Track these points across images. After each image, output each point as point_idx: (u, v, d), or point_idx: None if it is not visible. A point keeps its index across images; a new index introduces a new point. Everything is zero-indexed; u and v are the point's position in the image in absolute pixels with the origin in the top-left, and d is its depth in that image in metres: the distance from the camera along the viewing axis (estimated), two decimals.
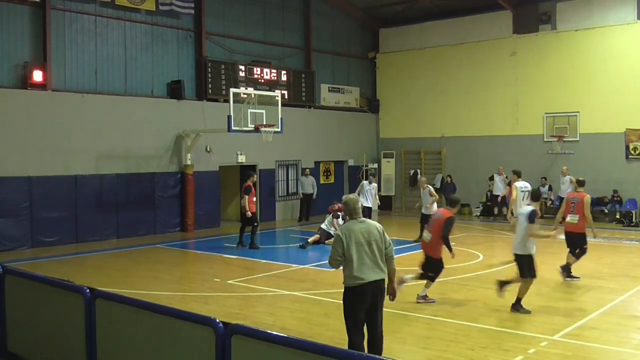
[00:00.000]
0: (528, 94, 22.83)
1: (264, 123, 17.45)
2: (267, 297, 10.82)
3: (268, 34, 22.59)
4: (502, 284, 9.79)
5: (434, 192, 16.48)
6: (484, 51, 23.82)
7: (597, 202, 21.10)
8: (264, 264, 13.97)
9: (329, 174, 24.80)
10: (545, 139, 22.25)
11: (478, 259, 14.23)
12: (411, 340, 8.27)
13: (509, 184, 18.22)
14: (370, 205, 17.49)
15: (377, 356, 3.98)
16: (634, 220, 20.28)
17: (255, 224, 16.11)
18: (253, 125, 17.20)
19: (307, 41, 23.91)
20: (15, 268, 8.06)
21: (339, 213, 16.73)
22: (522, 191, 13.74)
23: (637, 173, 20.63)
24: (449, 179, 23.68)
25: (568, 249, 11.82)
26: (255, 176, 17.68)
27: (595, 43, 21.49)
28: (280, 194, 22.75)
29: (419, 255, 14.67)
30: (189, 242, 17.83)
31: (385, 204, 25.93)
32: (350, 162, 25.44)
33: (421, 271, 10.13)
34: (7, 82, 16.14)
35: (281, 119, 17.78)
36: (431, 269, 10.04)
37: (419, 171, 25.50)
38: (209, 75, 20.22)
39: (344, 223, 6.68)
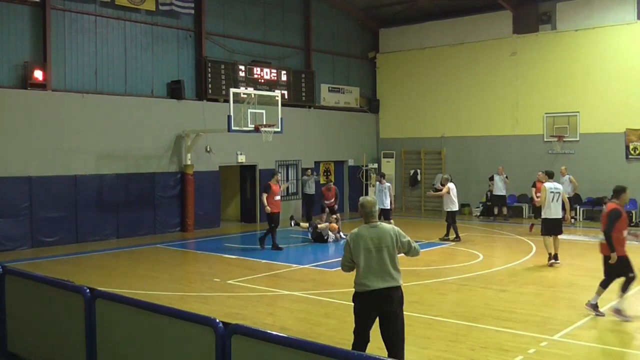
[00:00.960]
0: (528, 94, 22.83)
1: (264, 123, 17.44)
2: (267, 297, 10.82)
3: (268, 34, 22.59)
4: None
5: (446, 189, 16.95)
6: (484, 51, 23.82)
7: (597, 202, 21.11)
8: (264, 264, 13.97)
9: (329, 174, 24.80)
10: (545, 139, 22.25)
11: (478, 259, 14.23)
12: (411, 340, 8.24)
13: (534, 185, 17.90)
14: (383, 207, 17.04)
15: (377, 356, 3.97)
16: (634, 220, 20.28)
17: (273, 224, 15.63)
18: (253, 125, 17.20)
19: (307, 41, 23.91)
20: (15, 268, 8.06)
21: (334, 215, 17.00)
22: (551, 192, 13.09)
23: (637, 173, 20.62)
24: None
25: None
26: (279, 175, 17.28)
27: (595, 43, 21.50)
28: (280, 194, 22.70)
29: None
30: (189, 242, 17.83)
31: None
32: (350, 162, 25.44)
33: (608, 278, 9.15)
34: (7, 82, 16.14)
35: (281, 119, 17.78)
36: (617, 269, 9.01)
37: (417, 171, 25.51)
38: (209, 75, 20.22)
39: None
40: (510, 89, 23.24)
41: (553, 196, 13.14)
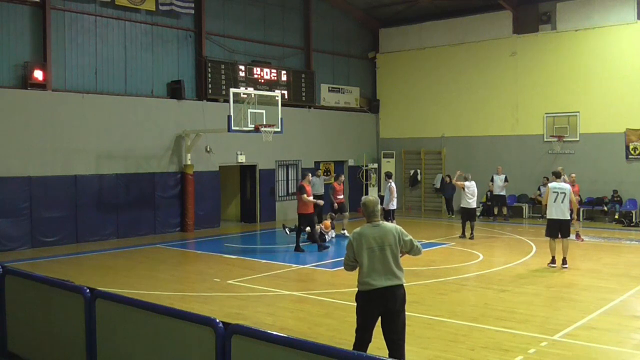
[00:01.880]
0: (528, 94, 22.83)
1: (264, 123, 17.43)
2: (267, 297, 10.82)
3: (268, 34, 22.59)
4: None
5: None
6: (484, 51, 23.82)
7: (597, 202, 21.12)
8: (264, 264, 13.97)
9: (328, 174, 24.80)
10: (545, 139, 22.25)
11: (478, 259, 14.23)
12: (411, 340, 8.24)
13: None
14: (384, 207, 16.89)
15: (377, 356, 3.97)
16: (634, 220, 20.29)
17: (302, 226, 15.36)
18: (253, 125, 17.19)
19: (307, 41, 23.91)
20: (15, 268, 8.05)
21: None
22: (554, 192, 12.76)
23: (637, 173, 20.63)
24: (448, 179, 23.67)
25: None
26: (310, 175, 16.76)
27: (595, 43, 21.50)
28: (280, 194, 22.74)
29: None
30: (189, 242, 17.83)
31: None
32: (350, 162, 25.44)
33: None
34: (7, 82, 16.14)
35: (281, 119, 17.78)
36: None
37: (417, 171, 25.52)
38: (209, 75, 20.22)
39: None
40: (510, 89, 23.24)
41: (557, 196, 12.77)
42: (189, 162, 19.33)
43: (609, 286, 11.32)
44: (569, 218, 13.24)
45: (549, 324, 8.83)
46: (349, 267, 6.48)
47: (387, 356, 6.24)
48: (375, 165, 25.84)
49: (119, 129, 18.02)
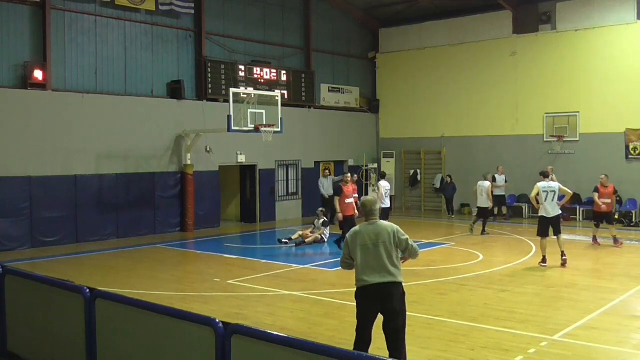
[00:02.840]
0: (528, 94, 22.83)
1: (264, 123, 17.44)
2: (267, 297, 10.82)
3: (268, 34, 22.59)
4: None
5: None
6: (484, 51, 23.82)
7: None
8: (264, 264, 13.97)
9: (328, 174, 24.78)
10: (545, 139, 22.25)
11: (478, 259, 14.23)
12: (411, 340, 8.24)
13: (596, 190, 17.50)
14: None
15: (377, 356, 3.97)
16: (634, 220, 20.28)
17: (344, 229, 14.56)
18: (253, 125, 17.20)
19: (307, 41, 23.91)
20: (15, 268, 8.05)
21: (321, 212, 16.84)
22: (543, 191, 13.12)
23: (637, 173, 20.63)
24: (449, 179, 23.69)
25: None
26: (349, 175, 15.69)
27: (595, 43, 21.49)
28: (280, 194, 22.74)
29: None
30: (189, 242, 17.83)
31: None
32: (351, 162, 25.43)
33: None
34: (7, 82, 16.14)
35: (281, 119, 17.78)
36: None
37: (417, 171, 25.51)
38: (209, 75, 20.22)
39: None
40: (510, 89, 23.24)
41: (547, 195, 13.14)
42: (189, 162, 19.33)
43: (609, 286, 11.32)
44: (559, 214, 13.47)
45: (549, 324, 8.83)
46: (345, 264, 6.60)
47: (389, 352, 6.26)
48: (375, 165, 25.84)
49: (119, 129, 18.02)
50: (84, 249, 16.07)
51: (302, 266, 13.71)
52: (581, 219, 21.36)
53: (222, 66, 20.64)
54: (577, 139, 21.62)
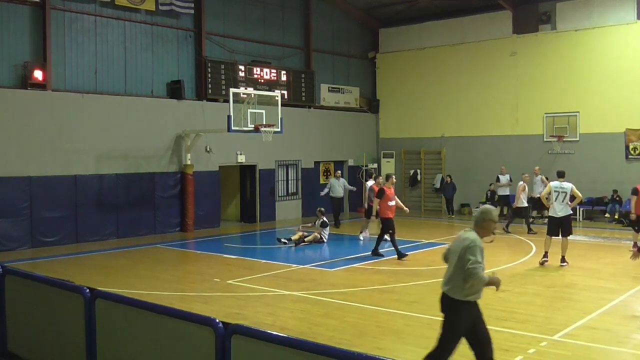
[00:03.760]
0: (528, 94, 22.83)
1: (264, 123, 17.44)
2: (267, 297, 10.82)
3: (268, 34, 22.59)
4: None
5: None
6: (484, 51, 23.82)
7: (597, 202, 21.12)
8: (264, 264, 13.97)
9: (329, 174, 24.80)
10: (545, 139, 22.24)
11: None
12: (411, 340, 8.27)
13: (635, 192, 17.26)
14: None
15: (378, 356, 3.97)
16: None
17: (391, 231, 14.31)
18: (253, 125, 17.20)
19: (307, 41, 23.91)
20: (15, 268, 8.06)
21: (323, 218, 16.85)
22: (555, 191, 13.11)
23: (637, 173, 20.60)
24: (449, 179, 23.68)
25: None
26: (394, 177, 15.17)
27: (595, 43, 21.50)
28: (280, 194, 22.74)
29: (417, 255, 14.70)
30: (189, 242, 17.83)
31: None
32: (350, 162, 25.44)
33: None
34: (7, 82, 16.14)
35: (281, 119, 17.78)
36: None
37: (417, 171, 25.51)
38: (209, 75, 20.22)
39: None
40: (510, 89, 23.24)
41: (557, 195, 13.11)
42: (189, 162, 19.33)
43: (609, 286, 11.32)
44: (570, 214, 13.42)
45: (549, 324, 8.83)
46: (482, 270, 6.18)
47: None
48: (375, 165, 25.84)
49: (119, 129, 18.02)
50: (84, 249, 16.07)
51: (302, 266, 13.71)
52: (581, 219, 21.36)
53: (222, 66, 20.63)
54: (577, 139, 21.62)
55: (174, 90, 19.43)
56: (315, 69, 24.07)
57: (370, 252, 14.69)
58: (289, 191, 23.03)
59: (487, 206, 6.52)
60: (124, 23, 18.48)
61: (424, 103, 25.37)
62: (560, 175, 13.64)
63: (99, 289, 6.11)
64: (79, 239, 16.99)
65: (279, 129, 17.62)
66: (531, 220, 20.90)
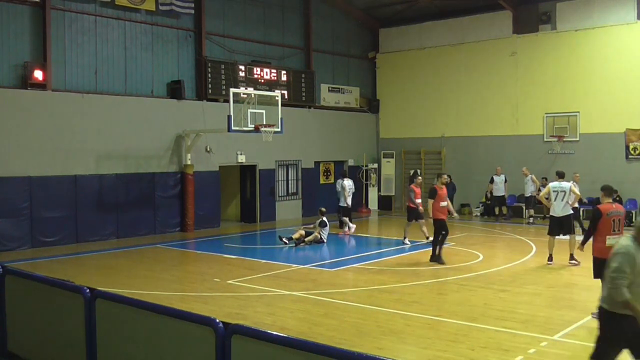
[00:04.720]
0: (528, 94, 22.83)
1: (264, 123, 17.44)
2: (267, 297, 10.82)
3: (268, 34, 22.59)
4: None
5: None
6: (484, 51, 23.82)
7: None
8: (264, 264, 13.97)
9: (328, 174, 24.80)
10: (545, 139, 22.24)
11: (478, 259, 14.23)
12: (411, 340, 8.27)
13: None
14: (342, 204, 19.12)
15: (378, 356, 3.97)
16: (634, 220, 20.25)
17: (444, 232, 13.85)
18: (253, 125, 17.20)
19: (307, 41, 23.91)
20: (15, 268, 8.05)
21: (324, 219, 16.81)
22: (554, 191, 13.21)
23: (637, 173, 20.63)
24: (449, 179, 23.62)
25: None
26: (445, 176, 14.64)
27: (595, 43, 21.49)
28: (280, 194, 22.74)
29: (417, 255, 14.68)
30: (189, 242, 17.82)
31: (386, 204, 26.01)
32: (350, 162, 25.43)
33: None
34: (7, 82, 16.14)
35: (281, 119, 17.78)
36: None
37: (418, 171, 25.52)
38: (209, 75, 20.22)
39: None
40: (510, 89, 23.24)
41: (557, 195, 13.21)
42: (189, 162, 19.33)
43: None
44: (570, 213, 13.48)
45: (549, 324, 8.83)
46: (625, 284, 5.53)
47: None
48: (375, 165, 25.85)
49: (119, 129, 18.01)
50: (84, 249, 16.06)
51: (302, 266, 13.70)
52: (581, 219, 21.30)
53: (222, 66, 20.63)
54: (577, 139, 21.62)
55: (174, 90, 19.43)
56: (315, 69, 24.07)
57: (431, 258, 13.87)
58: (289, 191, 23.03)
59: None
60: (124, 23, 18.48)
61: (424, 103, 25.37)
62: (560, 175, 13.72)
63: (99, 289, 6.11)
64: (79, 239, 16.98)
65: (279, 129, 17.62)
66: (531, 220, 20.99)
